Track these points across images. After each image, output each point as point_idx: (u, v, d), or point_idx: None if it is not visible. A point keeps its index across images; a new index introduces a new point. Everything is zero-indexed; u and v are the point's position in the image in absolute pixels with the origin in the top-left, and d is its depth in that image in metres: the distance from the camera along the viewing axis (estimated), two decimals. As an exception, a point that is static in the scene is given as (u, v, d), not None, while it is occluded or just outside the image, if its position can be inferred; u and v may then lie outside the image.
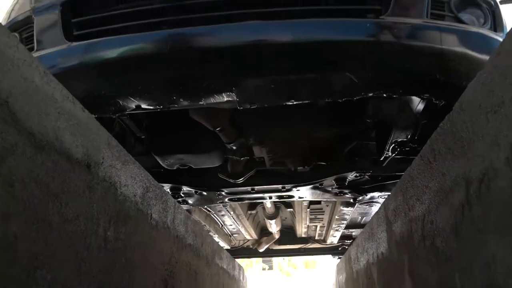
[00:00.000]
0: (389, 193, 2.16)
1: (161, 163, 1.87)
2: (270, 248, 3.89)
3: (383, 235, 1.83)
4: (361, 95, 1.35)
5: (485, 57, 1.28)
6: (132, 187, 1.25)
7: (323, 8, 1.32)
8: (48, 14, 1.39)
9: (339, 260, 4.62)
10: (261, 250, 3.82)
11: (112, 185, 1.12)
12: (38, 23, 1.41)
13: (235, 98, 1.34)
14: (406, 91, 1.39)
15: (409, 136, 1.67)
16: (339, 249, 4.07)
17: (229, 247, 3.78)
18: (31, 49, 1.41)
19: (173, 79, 1.33)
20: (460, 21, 1.33)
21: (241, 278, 3.68)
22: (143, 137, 1.87)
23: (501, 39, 1.36)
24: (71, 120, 0.92)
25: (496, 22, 1.39)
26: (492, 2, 1.43)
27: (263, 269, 24.50)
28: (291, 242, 3.95)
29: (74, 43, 1.33)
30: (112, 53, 1.30)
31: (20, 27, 1.49)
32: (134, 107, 1.39)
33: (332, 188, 2.11)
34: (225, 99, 1.34)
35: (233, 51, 1.25)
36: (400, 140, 1.69)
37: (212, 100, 1.35)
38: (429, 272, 1.22)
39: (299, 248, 4.10)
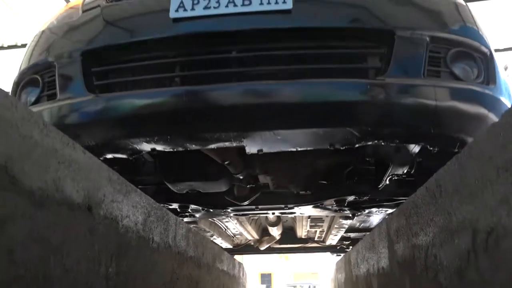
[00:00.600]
0: (387, 209, 2.24)
1: (171, 187, 1.89)
2: (271, 246, 3.93)
3: (385, 251, 1.82)
4: (361, 144, 1.44)
5: (476, 111, 1.39)
6: (133, 217, 1.24)
7: (327, 66, 1.38)
8: (70, 62, 1.43)
9: (337, 257, 4.67)
10: (262, 249, 3.88)
11: (113, 220, 1.10)
12: (60, 70, 1.45)
13: (244, 145, 1.45)
14: (403, 141, 1.50)
15: (405, 171, 1.74)
16: (337, 248, 4.12)
17: (231, 246, 3.87)
18: (54, 95, 1.46)
19: (187, 132, 1.42)
20: (455, 76, 1.37)
21: (240, 275, 3.71)
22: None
23: (492, 93, 1.41)
24: (72, 166, 0.89)
25: (489, 74, 1.42)
26: (487, 52, 1.45)
27: (262, 252, 24.75)
28: (292, 242, 4.00)
29: (96, 96, 1.39)
30: (131, 107, 1.37)
31: (42, 70, 1.52)
32: (149, 149, 1.48)
33: (332, 207, 2.18)
34: (235, 145, 1.45)
35: (243, 108, 1.34)
36: (397, 173, 1.75)
37: (222, 145, 1.46)
38: (432, 303, 1.22)
39: (299, 247, 4.16)
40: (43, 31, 1.62)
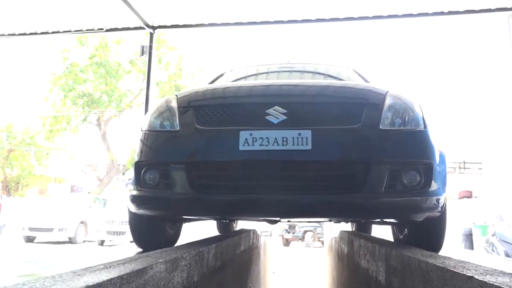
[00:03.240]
0: None
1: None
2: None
3: (382, 270, 2.14)
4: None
5: (416, 206, 2.08)
6: (181, 279, 1.55)
7: (330, 184, 2.07)
8: (178, 167, 2.10)
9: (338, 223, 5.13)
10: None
11: (169, 295, 1.41)
12: (172, 171, 2.10)
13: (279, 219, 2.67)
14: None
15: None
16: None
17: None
18: (170, 186, 2.10)
19: (247, 215, 2.75)
20: (404, 185, 2.03)
21: (254, 241, 4.16)
22: None
23: (427, 195, 2.05)
24: None
25: (428, 180, 2.05)
26: (431, 163, 2.06)
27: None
28: None
29: (196, 193, 2.06)
30: (219, 203, 2.11)
31: (158, 165, 2.17)
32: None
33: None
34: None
35: (279, 209, 2.13)
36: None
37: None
38: None
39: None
40: (152, 133, 2.25)
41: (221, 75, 3.79)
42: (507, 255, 5.27)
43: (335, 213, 2.40)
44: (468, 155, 16.04)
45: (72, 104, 21.61)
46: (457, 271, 1.20)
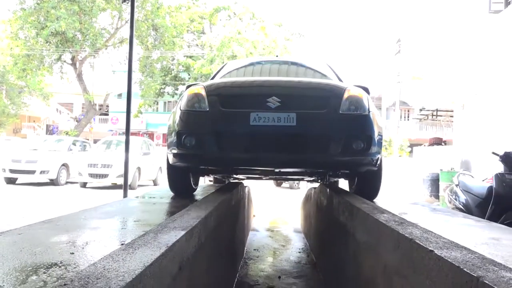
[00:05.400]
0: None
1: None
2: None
3: (359, 229, 2.49)
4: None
5: (358, 162, 3.21)
6: (198, 240, 1.84)
7: (304, 147, 3.10)
8: (210, 135, 3.06)
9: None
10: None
11: (189, 258, 1.70)
12: (205, 137, 3.07)
13: (275, 169, 3.85)
14: (336, 172, 4.20)
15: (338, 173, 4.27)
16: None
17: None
18: (203, 147, 3.07)
19: (253, 166, 3.60)
20: (353, 149, 3.08)
21: (241, 192, 4.53)
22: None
23: (365, 155, 3.13)
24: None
25: (367, 146, 3.11)
26: (370, 135, 3.13)
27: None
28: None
29: (221, 151, 3.04)
30: (233, 158, 3.20)
31: (194, 133, 3.11)
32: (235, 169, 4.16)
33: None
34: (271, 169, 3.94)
35: (277, 161, 3.25)
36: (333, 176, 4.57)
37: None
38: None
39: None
40: (189, 111, 3.17)
41: (224, 65, 4.95)
42: (467, 203, 5.77)
43: (309, 166, 3.61)
44: (440, 103, 16.59)
45: (45, 42, 20.83)
46: (421, 243, 1.52)
